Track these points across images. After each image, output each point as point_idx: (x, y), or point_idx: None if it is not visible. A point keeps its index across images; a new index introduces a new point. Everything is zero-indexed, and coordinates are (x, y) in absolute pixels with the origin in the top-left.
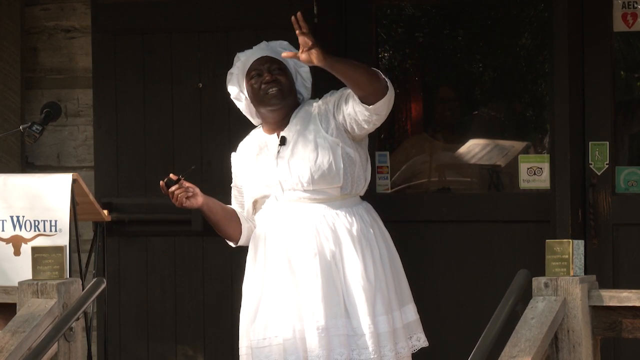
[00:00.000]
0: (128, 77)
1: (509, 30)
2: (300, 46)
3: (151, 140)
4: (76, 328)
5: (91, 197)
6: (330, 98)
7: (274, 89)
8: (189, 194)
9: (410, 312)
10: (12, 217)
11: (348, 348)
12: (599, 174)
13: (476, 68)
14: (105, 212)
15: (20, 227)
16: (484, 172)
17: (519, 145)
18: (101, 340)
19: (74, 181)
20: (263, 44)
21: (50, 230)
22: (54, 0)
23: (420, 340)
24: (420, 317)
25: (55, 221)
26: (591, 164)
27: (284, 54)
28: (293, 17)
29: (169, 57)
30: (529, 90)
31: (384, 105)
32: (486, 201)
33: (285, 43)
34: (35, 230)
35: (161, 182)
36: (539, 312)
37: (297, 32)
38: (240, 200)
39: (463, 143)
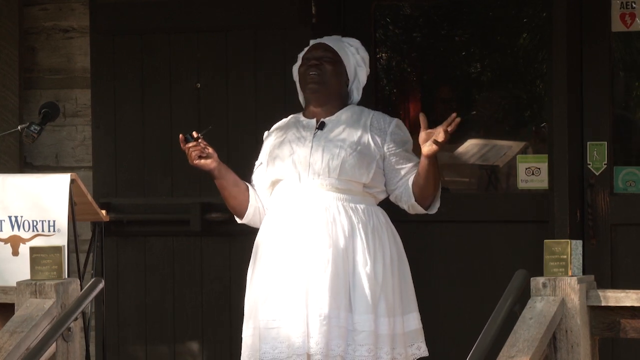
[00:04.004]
0: (126, 77)
1: (507, 30)
2: (434, 133)
3: (149, 140)
4: (74, 328)
5: (89, 197)
6: (392, 142)
7: (313, 72)
8: (203, 154)
9: (413, 321)
10: (10, 217)
11: (345, 342)
12: (597, 174)
13: (474, 68)
14: (104, 212)
15: (19, 227)
16: (482, 172)
17: (517, 145)
18: (99, 340)
19: (72, 181)
20: (335, 36)
21: (49, 231)
22: (53, 0)
23: (421, 350)
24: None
25: (54, 221)
26: (589, 164)
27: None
28: (453, 115)
29: (168, 57)
30: (528, 90)
31: (415, 212)
32: (484, 201)
33: (357, 42)
34: (33, 231)
35: (181, 136)
36: (537, 312)
37: (445, 125)
38: (258, 180)
39: (461, 143)
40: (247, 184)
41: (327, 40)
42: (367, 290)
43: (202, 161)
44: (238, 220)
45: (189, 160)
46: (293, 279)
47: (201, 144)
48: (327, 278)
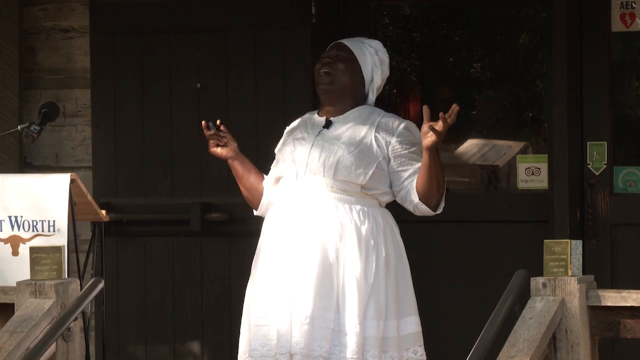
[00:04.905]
0: (126, 77)
1: (507, 30)
2: (435, 123)
3: (149, 140)
4: (74, 328)
5: (89, 197)
6: (398, 144)
7: (324, 71)
8: (220, 143)
9: (411, 325)
10: (10, 217)
11: (331, 342)
12: (597, 174)
13: (474, 68)
14: (104, 212)
15: (19, 227)
16: (482, 172)
17: (517, 145)
18: (99, 340)
19: (72, 181)
20: (357, 37)
21: (49, 231)
22: (53, 0)
23: (417, 354)
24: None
25: (54, 221)
26: (589, 164)
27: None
28: (454, 106)
29: (168, 57)
30: (528, 90)
31: (422, 213)
32: (484, 201)
33: (378, 44)
34: (33, 231)
35: (203, 122)
36: (537, 312)
37: (445, 116)
38: (269, 174)
39: (461, 143)
40: (265, 176)
41: (346, 40)
42: (355, 293)
43: (219, 150)
44: (254, 212)
45: (208, 147)
46: (282, 278)
47: (221, 133)
48: (314, 279)
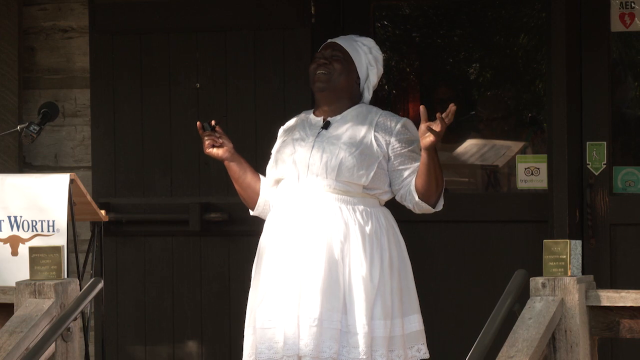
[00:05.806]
0: (125, 77)
1: (506, 30)
2: (433, 123)
3: (149, 140)
4: (74, 328)
5: (89, 197)
6: (397, 142)
7: (321, 71)
8: (216, 144)
9: (414, 323)
10: (9, 217)
11: (339, 343)
12: (596, 174)
13: (473, 68)
14: (103, 212)
15: (18, 227)
16: (482, 172)
17: (516, 145)
18: (99, 340)
19: (72, 181)
20: (349, 35)
21: (48, 231)
22: (52, 0)
23: (421, 352)
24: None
25: (53, 221)
26: (589, 164)
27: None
28: (451, 106)
29: (167, 58)
30: (527, 90)
31: (422, 211)
32: (484, 201)
33: (371, 42)
34: (32, 231)
35: (198, 123)
36: (536, 312)
37: (443, 116)
38: (267, 175)
39: (460, 143)
40: (261, 176)
41: (339, 39)
42: (361, 293)
43: (214, 150)
44: (251, 212)
45: (203, 148)
46: (288, 281)
47: (216, 134)
48: (320, 280)
